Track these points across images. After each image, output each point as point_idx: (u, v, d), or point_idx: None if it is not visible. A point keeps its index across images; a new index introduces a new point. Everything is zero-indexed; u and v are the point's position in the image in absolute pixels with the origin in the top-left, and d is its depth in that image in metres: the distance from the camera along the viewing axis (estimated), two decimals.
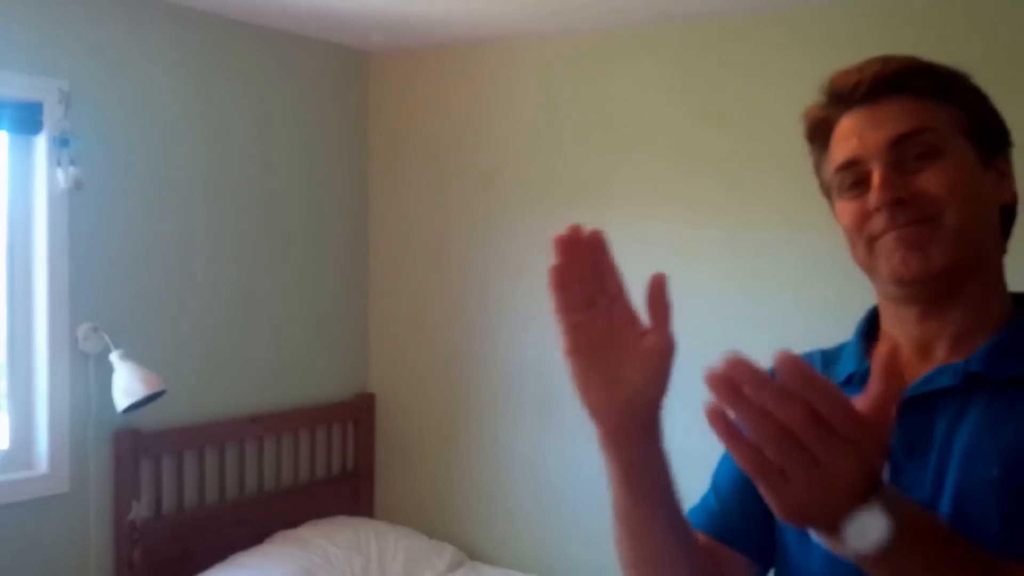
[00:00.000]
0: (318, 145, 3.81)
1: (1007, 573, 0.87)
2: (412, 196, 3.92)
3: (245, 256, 3.51)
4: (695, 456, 3.11)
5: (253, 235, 3.54)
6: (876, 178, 1.01)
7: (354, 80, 3.96)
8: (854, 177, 1.05)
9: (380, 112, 4.01)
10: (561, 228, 0.87)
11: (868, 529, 0.75)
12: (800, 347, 2.75)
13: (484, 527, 3.68)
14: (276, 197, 3.64)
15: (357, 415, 3.92)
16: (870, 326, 1.14)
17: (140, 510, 3.05)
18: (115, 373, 2.91)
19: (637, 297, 0.87)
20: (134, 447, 3.05)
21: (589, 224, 0.90)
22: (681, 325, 3.09)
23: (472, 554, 3.64)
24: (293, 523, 3.48)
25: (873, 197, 1.01)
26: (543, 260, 3.20)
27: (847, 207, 1.06)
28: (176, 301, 3.26)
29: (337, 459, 3.87)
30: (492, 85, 3.70)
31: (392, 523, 3.69)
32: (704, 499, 1.27)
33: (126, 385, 2.90)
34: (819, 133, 1.11)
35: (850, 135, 1.06)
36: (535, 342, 3.57)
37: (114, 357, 2.92)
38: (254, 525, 3.39)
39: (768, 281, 3.08)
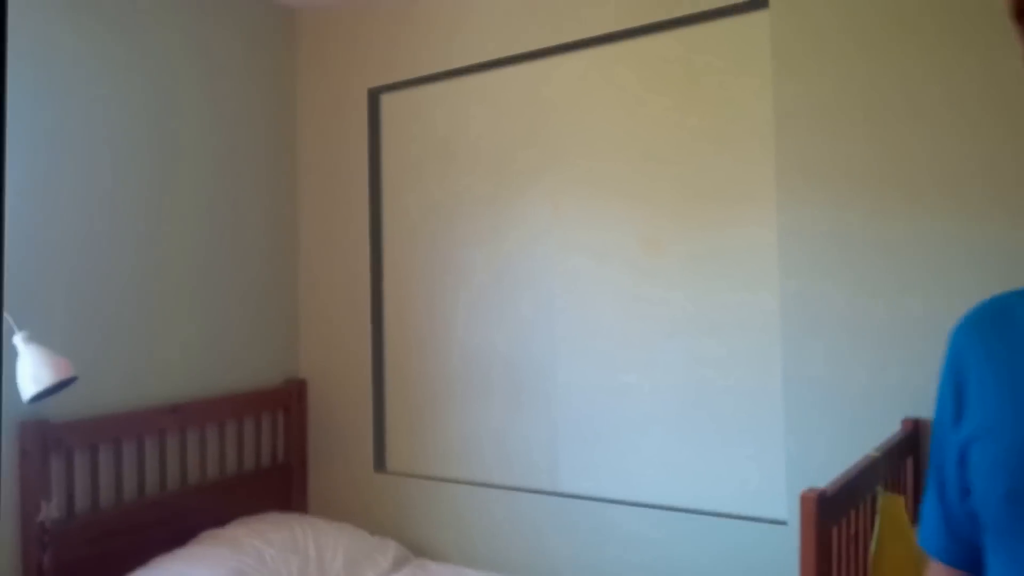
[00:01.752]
0: (244, 117, 3.52)
1: None
2: (345, 166, 3.64)
3: (165, 231, 3.20)
4: (670, 457, 2.89)
5: (173, 209, 3.23)
6: None
7: (281, 41, 3.67)
8: None
9: (310, 80, 3.72)
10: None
11: None
12: (760, 338, 2.57)
13: (428, 521, 3.43)
14: (199, 170, 3.34)
15: (287, 403, 3.63)
16: None
17: (50, 510, 2.73)
18: (19, 358, 2.57)
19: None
20: (42, 440, 2.72)
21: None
22: (642, 316, 2.74)
23: (417, 550, 3.39)
24: (221, 521, 3.20)
25: None
26: (489, 236, 2.97)
27: None
28: (87, 278, 2.94)
29: (267, 450, 3.57)
30: (440, 50, 3.43)
31: (328, 519, 3.42)
32: (940, 518, 1.07)
33: (32, 371, 2.56)
34: None
35: None
36: (476, 324, 3.34)
37: (18, 340, 2.58)
38: (177, 524, 3.10)
39: (723, 269, 2.89)
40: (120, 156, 3.05)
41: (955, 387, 0.97)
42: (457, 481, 3.39)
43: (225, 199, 3.44)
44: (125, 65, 3.07)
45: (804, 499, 1.88)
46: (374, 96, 3.62)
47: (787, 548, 2.73)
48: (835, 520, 1.98)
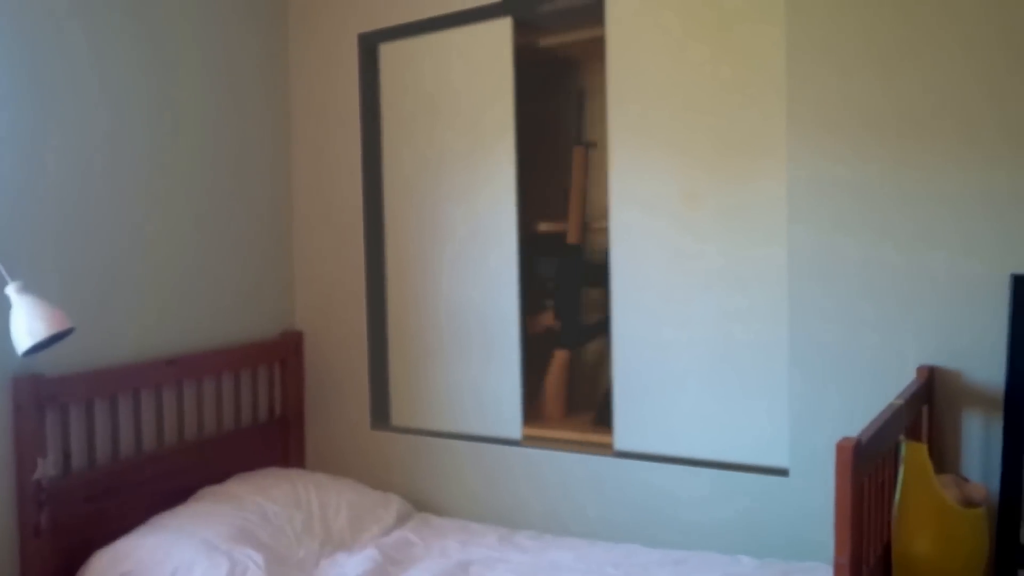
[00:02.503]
0: (235, 61, 3.40)
1: None
2: (338, 117, 3.53)
3: (159, 182, 3.09)
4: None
5: (168, 160, 3.12)
6: None
7: None
8: None
9: (301, 25, 3.59)
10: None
11: None
12: (779, 291, 2.51)
13: (429, 475, 3.38)
14: (193, 120, 3.22)
15: (284, 355, 3.55)
16: None
17: (46, 468, 2.64)
18: (12, 309, 2.47)
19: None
20: (37, 395, 2.62)
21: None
22: (681, 264, 2.59)
23: (420, 505, 3.34)
24: (218, 477, 3.13)
25: None
26: (487, 187, 2.86)
27: None
28: (81, 228, 2.83)
29: (264, 404, 3.50)
30: None
31: (327, 474, 3.36)
32: None
33: (27, 323, 2.45)
34: None
35: None
36: (476, 272, 3.27)
37: (11, 290, 2.47)
38: (176, 480, 3.02)
39: (748, 223, 2.82)
40: (114, 105, 2.92)
41: None
42: (459, 437, 3.33)
43: (219, 149, 3.32)
44: (118, 15, 2.93)
45: (840, 448, 1.84)
46: (368, 42, 3.48)
47: (789, 498, 2.71)
48: (866, 469, 1.95)
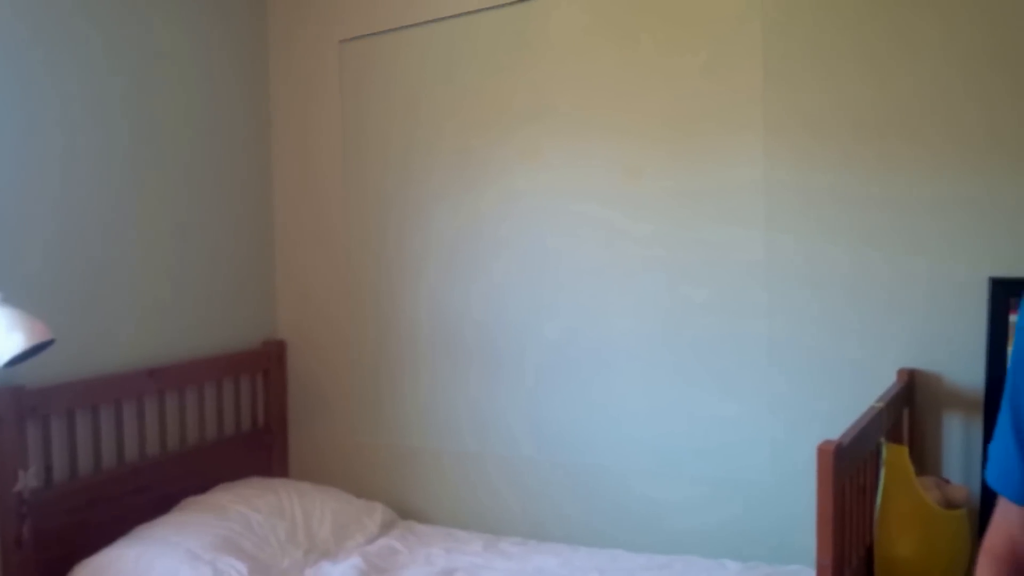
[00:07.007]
0: (216, 72, 3.39)
1: None
2: (319, 124, 3.53)
3: (140, 191, 3.08)
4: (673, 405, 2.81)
5: (149, 170, 3.11)
6: None
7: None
8: None
9: (281, 32, 3.59)
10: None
11: None
12: (740, 265, 2.50)
13: (413, 483, 3.37)
14: (174, 129, 3.21)
15: (267, 365, 3.54)
16: None
17: (28, 480, 2.62)
18: None
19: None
20: (18, 407, 2.60)
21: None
22: (629, 248, 2.61)
23: (404, 513, 3.33)
24: (201, 487, 3.12)
25: None
26: (473, 189, 2.86)
27: None
28: (61, 237, 2.81)
29: (246, 414, 3.48)
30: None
31: (310, 483, 3.35)
32: (1016, 459, 1.05)
33: (6, 334, 2.44)
34: None
35: None
36: (460, 277, 3.26)
37: None
38: (158, 491, 3.02)
39: (710, 199, 2.84)
40: (97, 116, 2.91)
41: None
42: (442, 451, 3.34)
43: (201, 159, 3.31)
44: (102, 29, 2.93)
45: (821, 451, 1.85)
46: (348, 48, 3.49)
47: (773, 501, 2.72)
48: (848, 471, 1.96)
